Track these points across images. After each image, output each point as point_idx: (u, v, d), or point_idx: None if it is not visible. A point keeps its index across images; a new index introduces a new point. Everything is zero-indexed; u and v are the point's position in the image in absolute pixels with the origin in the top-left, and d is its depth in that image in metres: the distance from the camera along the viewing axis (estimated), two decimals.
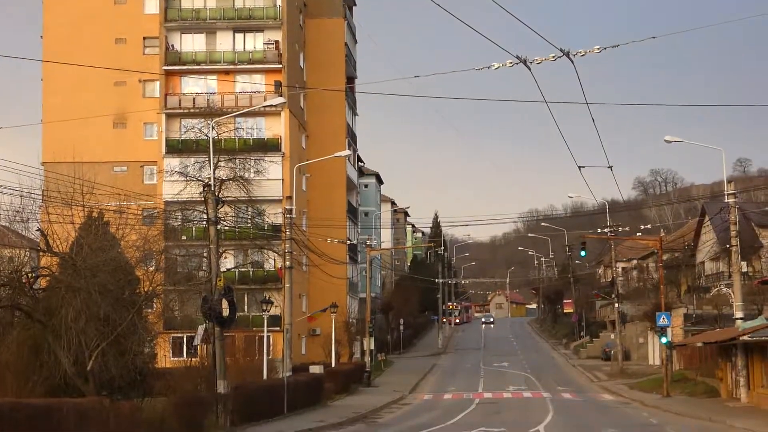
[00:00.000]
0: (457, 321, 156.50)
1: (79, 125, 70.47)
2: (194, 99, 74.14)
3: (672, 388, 56.46)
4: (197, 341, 42.97)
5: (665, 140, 51.35)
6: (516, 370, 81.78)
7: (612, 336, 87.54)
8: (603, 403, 54.13)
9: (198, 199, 54.19)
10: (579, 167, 44.20)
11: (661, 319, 56.26)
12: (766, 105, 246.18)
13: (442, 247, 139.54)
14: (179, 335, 62.35)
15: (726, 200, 49.70)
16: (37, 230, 39.58)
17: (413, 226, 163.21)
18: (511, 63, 26.44)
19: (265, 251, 69.50)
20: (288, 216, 53.39)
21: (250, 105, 69.26)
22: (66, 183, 38.77)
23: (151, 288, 40.05)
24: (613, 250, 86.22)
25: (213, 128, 55.20)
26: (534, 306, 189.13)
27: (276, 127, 74.33)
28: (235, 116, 65.69)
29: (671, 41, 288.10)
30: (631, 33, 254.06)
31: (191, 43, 75.48)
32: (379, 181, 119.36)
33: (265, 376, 49.75)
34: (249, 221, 68.43)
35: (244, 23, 75.54)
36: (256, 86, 74.23)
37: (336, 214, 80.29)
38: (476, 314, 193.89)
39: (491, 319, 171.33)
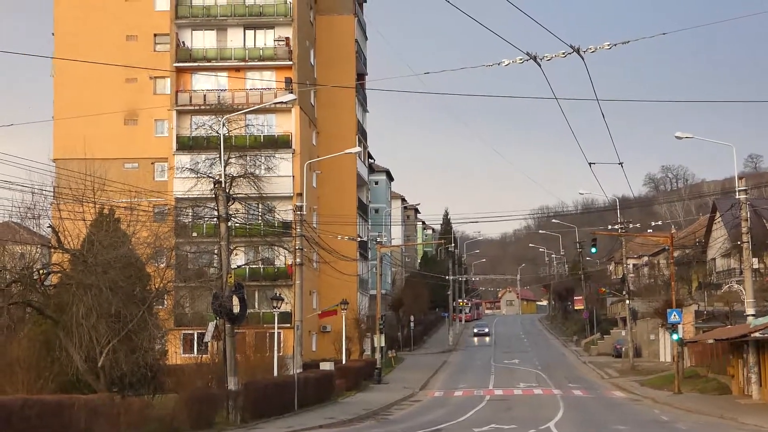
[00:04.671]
0: (468, 318, 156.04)
1: (90, 122, 70.56)
2: (205, 96, 74.19)
3: (683, 385, 56.35)
4: (208, 338, 43.04)
5: (676, 136, 51.22)
6: (526, 367, 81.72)
7: (623, 333, 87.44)
8: (614, 400, 54.07)
9: (209, 195, 54.24)
10: (589, 164, 44.40)
11: (672, 316, 56.12)
12: None
13: (453, 244, 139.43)
14: (190, 332, 62.49)
15: (737, 196, 49.53)
16: (48, 227, 39.72)
17: (424, 222, 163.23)
18: (521, 60, 26.42)
19: (276, 248, 69.55)
20: (298, 213, 53.41)
21: (261, 102, 69.29)
22: (77, 180, 38.84)
23: (161, 285, 40.13)
24: (623, 247, 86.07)
25: (224, 125, 55.29)
26: (544, 303, 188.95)
27: (287, 124, 74.36)
28: (246, 113, 65.72)
29: (682, 37, 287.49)
30: (642, 29, 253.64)
31: (202, 40, 75.53)
32: (390, 178, 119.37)
33: (275, 373, 49.80)
34: (259, 218, 68.47)
35: (255, 20, 75.55)
36: (267, 83, 74.25)
37: (346, 211, 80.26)
38: (486, 311, 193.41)
39: (485, 330, 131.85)
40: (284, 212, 68.27)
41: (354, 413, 45.70)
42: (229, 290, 39.07)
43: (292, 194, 69.66)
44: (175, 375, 40.95)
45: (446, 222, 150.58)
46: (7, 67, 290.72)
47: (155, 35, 75.61)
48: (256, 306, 68.19)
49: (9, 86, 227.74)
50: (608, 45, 26.72)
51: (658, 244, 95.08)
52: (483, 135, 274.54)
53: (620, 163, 46.09)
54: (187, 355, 57.88)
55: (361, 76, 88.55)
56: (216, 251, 53.06)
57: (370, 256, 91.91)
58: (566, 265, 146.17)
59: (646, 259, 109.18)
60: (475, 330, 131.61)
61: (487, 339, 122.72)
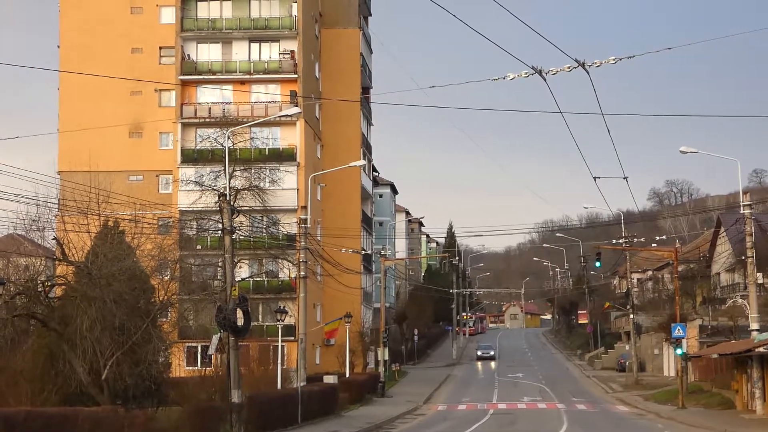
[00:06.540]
0: (471, 332, 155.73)
1: (96, 134, 70.69)
2: (210, 108, 74.32)
3: (687, 400, 56.25)
4: (212, 351, 42.99)
5: (681, 151, 51.03)
6: (530, 381, 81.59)
7: (627, 347, 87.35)
8: (618, 415, 53.94)
9: (213, 208, 54.30)
10: (594, 178, 44.17)
11: (677, 331, 56.10)
12: None
13: (457, 257, 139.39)
14: (194, 344, 62.39)
15: (741, 211, 49.50)
16: (53, 239, 39.76)
17: (428, 236, 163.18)
18: (526, 74, 26.46)
19: (280, 261, 69.54)
20: (302, 226, 53.45)
21: (266, 115, 69.31)
22: (82, 192, 38.92)
23: (166, 297, 40.12)
24: (628, 261, 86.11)
25: (228, 138, 55.23)
26: (548, 317, 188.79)
27: (291, 137, 74.44)
28: (251, 126, 65.77)
29: (687, 52, 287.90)
30: (648, 44, 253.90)
31: (207, 53, 75.68)
32: (394, 191, 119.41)
33: (279, 386, 49.71)
34: (264, 231, 68.50)
35: (260, 33, 75.69)
36: (272, 96, 74.32)
37: (350, 224, 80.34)
38: (490, 325, 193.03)
39: (491, 353, 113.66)
40: (288, 225, 68.36)
41: (357, 427, 45.64)
42: (233, 303, 39.03)
43: (296, 207, 69.80)
44: (179, 388, 40.89)
45: (450, 235, 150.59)
46: (11, 79, 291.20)
47: (160, 48, 75.84)
48: (260, 319, 68.21)
49: (13, 98, 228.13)
50: (613, 59, 26.75)
51: (663, 259, 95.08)
52: (488, 148, 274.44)
53: (625, 178, 45.90)
54: (190, 368, 57.70)
55: (365, 89, 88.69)
56: (220, 264, 53.20)
57: (374, 269, 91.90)
58: (570, 279, 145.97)
59: (650, 273, 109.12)
60: (479, 353, 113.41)
61: (493, 363, 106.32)
